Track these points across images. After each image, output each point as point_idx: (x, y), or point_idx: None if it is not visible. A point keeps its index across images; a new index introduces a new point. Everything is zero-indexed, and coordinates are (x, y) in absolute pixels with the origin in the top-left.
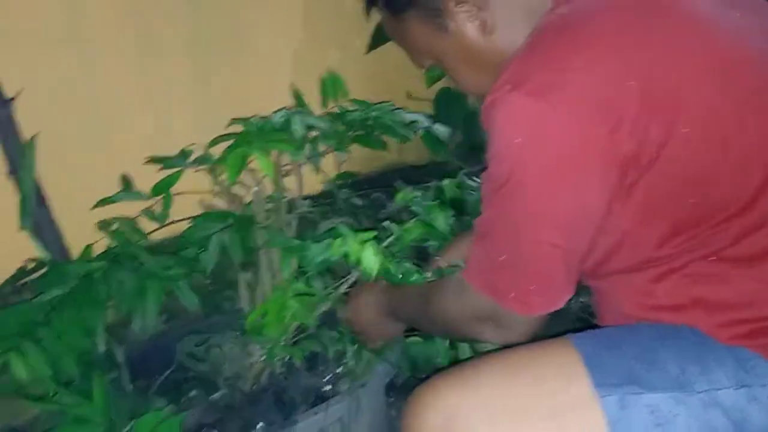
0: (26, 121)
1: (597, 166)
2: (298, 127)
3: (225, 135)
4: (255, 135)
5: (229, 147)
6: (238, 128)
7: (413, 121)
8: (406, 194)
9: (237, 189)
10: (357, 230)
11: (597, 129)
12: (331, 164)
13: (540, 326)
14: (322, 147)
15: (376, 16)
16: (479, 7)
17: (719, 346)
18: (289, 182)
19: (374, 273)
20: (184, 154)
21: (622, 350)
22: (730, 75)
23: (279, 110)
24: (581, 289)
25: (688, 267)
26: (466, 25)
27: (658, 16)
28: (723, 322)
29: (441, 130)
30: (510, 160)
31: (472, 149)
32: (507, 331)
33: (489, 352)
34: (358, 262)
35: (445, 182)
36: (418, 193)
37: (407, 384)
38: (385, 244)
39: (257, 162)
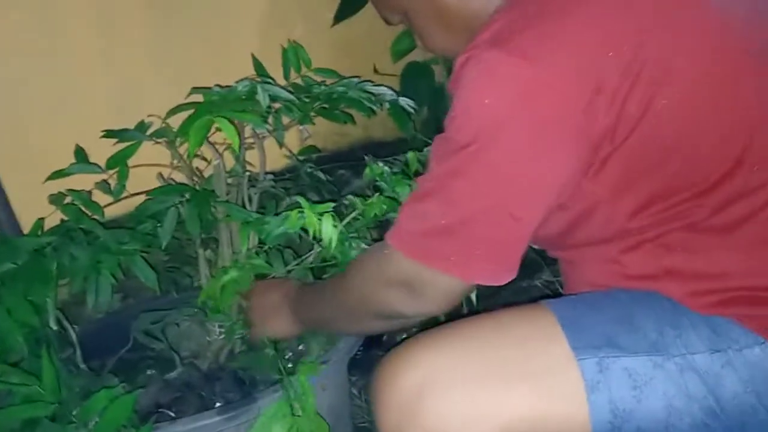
0: None
1: (572, 137)
2: (262, 98)
3: (184, 104)
4: (218, 104)
5: (190, 116)
6: (198, 98)
7: (379, 95)
8: (374, 169)
9: (197, 162)
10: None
11: (575, 99)
12: (294, 139)
13: (457, 302)
14: (285, 120)
15: None
16: None
17: (693, 313)
18: (251, 157)
19: (333, 245)
20: (141, 126)
21: (599, 313)
22: (724, 37)
23: (242, 80)
24: (544, 266)
25: (661, 238)
26: None
27: None
28: (694, 291)
29: (408, 104)
30: (481, 119)
31: (439, 125)
32: (421, 301)
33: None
34: (316, 234)
35: (410, 155)
36: (387, 168)
37: (369, 361)
38: (347, 219)
39: (222, 131)
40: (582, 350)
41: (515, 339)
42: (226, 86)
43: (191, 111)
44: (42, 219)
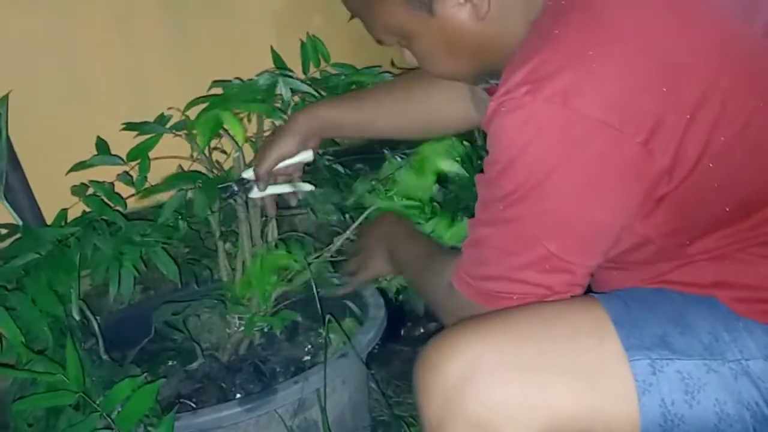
0: None
1: (626, 180)
2: (283, 90)
3: (202, 97)
4: (232, 97)
5: (202, 110)
6: (218, 91)
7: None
8: (392, 164)
9: (217, 155)
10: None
11: (629, 139)
12: None
13: None
14: None
15: None
16: None
17: (747, 319)
18: None
19: None
20: (161, 118)
21: (652, 312)
22: (760, 59)
23: (262, 73)
24: None
25: (711, 259)
26: (457, 8)
27: (678, 6)
28: (744, 298)
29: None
30: (527, 169)
31: None
32: None
33: None
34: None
35: (427, 149)
36: (404, 163)
37: (387, 355)
38: (366, 214)
39: (230, 127)
40: (635, 350)
41: (565, 332)
42: (248, 79)
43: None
44: (65, 210)
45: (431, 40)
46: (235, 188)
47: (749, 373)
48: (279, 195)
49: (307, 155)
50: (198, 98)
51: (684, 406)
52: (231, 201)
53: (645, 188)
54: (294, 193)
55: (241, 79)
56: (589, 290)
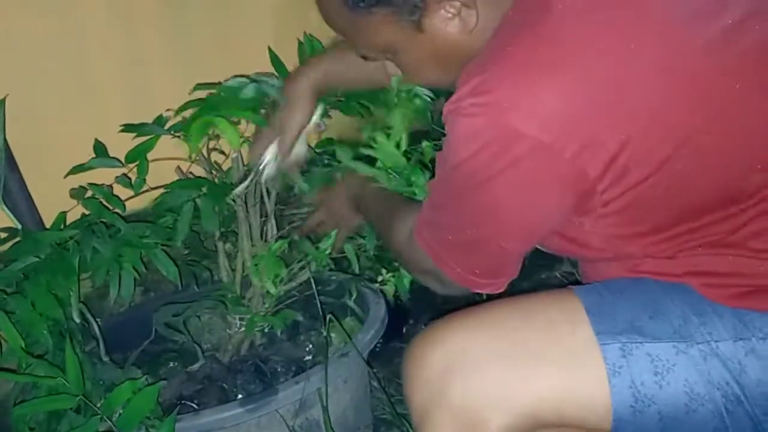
0: None
1: (558, 191)
2: (275, 94)
3: (193, 101)
4: (220, 102)
5: (192, 115)
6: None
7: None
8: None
9: (215, 156)
10: None
11: (560, 155)
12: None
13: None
14: None
15: None
16: (465, 4)
17: (717, 303)
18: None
19: None
20: (160, 120)
21: (624, 299)
22: (701, 83)
23: (254, 75)
24: (564, 258)
25: (679, 253)
26: (445, 23)
27: (629, 24)
28: (715, 284)
29: (424, 94)
30: (469, 171)
31: None
32: (449, 288)
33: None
34: None
35: (425, 144)
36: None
37: (389, 353)
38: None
39: (225, 134)
40: (605, 335)
41: (542, 322)
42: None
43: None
44: (64, 213)
45: (419, 54)
46: (259, 169)
47: (718, 354)
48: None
49: (318, 113)
50: (190, 101)
51: (654, 387)
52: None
53: (579, 197)
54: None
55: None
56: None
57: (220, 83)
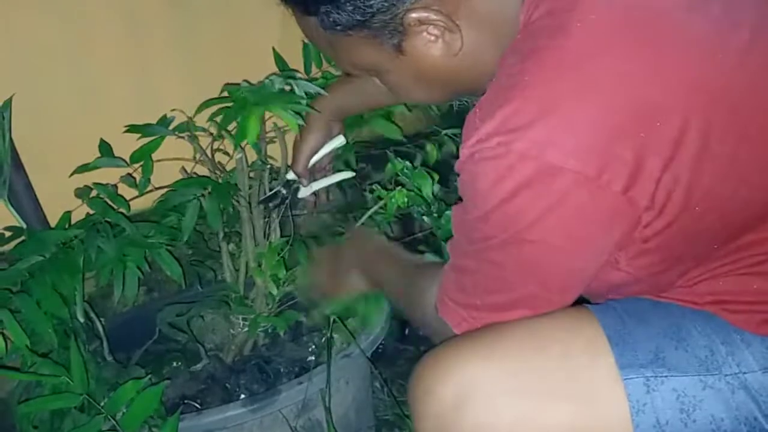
0: (1, 82)
1: (607, 228)
2: (299, 92)
3: (215, 99)
4: (259, 97)
5: (226, 110)
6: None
7: None
8: (395, 165)
9: (219, 157)
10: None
11: (608, 188)
12: None
13: None
14: None
15: None
16: (448, 28)
17: (744, 330)
18: (273, 151)
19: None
20: (164, 121)
21: (647, 325)
22: (733, 98)
23: (270, 75)
24: None
25: (709, 279)
26: (428, 46)
27: (655, 42)
28: (739, 310)
29: None
30: (506, 220)
31: (460, 118)
32: None
33: None
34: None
35: (428, 146)
36: (407, 164)
37: (391, 354)
38: (370, 212)
39: (283, 120)
40: (629, 368)
41: (559, 351)
42: (258, 82)
43: (219, 106)
44: (69, 212)
45: (402, 75)
46: (284, 192)
47: (747, 386)
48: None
49: (338, 141)
50: (211, 99)
51: (679, 425)
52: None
53: (627, 232)
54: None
55: (248, 82)
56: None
57: (240, 84)
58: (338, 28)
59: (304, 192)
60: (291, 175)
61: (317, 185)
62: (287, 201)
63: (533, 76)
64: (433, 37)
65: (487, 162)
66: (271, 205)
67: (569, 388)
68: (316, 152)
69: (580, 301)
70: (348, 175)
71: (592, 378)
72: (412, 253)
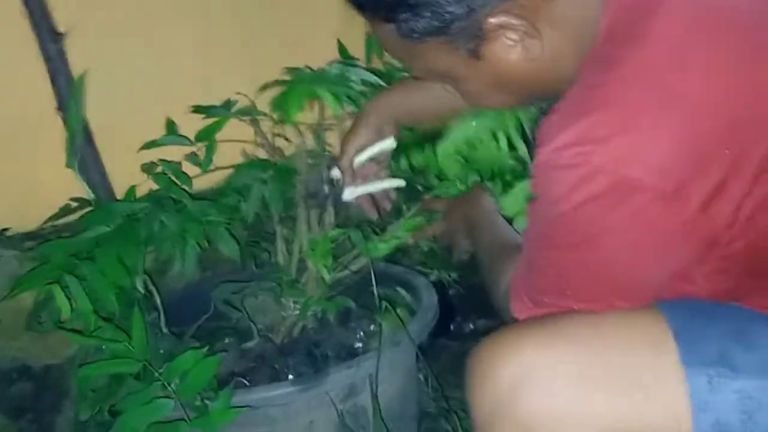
0: (77, 57)
1: (682, 243)
2: (356, 80)
3: (276, 81)
4: (309, 81)
5: (284, 91)
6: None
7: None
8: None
9: (278, 142)
10: None
11: (686, 205)
12: None
13: None
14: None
15: None
16: (528, 33)
17: None
18: (332, 138)
19: None
20: (227, 104)
21: (714, 324)
22: None
23: (332, 62)
24: None
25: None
26: (507, 51)
27: (733, 49)
28: None
29: None
30: (578, 227)
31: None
32: None
33: None
34: None
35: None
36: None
37: (436, 349)
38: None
39: (326, 101)
40: (693, 365)
41: (622, 342)
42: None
43: (279, 89)
44: (134, 186)
45: (479, 81)
46: (327, 191)
47: None
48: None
49: (388, 143)
50: (272, 82)
51: (739, 426)
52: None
53: (702, 248)
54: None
55: (310, 68)
56: None
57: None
58: (415, 35)
59: (348, 194)
60: (336, 173)
61: (363, 189)
62: (329, 200)
63: (614, 89)
64: (512, 42)
65: (564, 170)
66: (313, 202)
67: (630, 379)
68: (362, 149)
69: None
70: (398, 182)
71: (654, 372)
72: (509, 227)
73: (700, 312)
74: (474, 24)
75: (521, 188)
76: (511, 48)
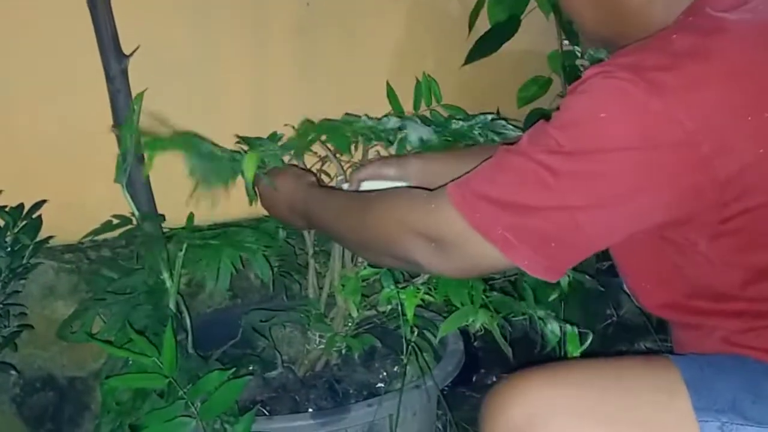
0: (134, 78)
1: (681, 183)
2: (413, 138)
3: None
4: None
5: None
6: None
7: (503, 134)
8: None
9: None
10: None
11: (697, 148)
12: None
13: (475, 276)
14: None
15: (478, 30)
16: None
17: None
18: None
19: None
20: (273, 136)
21: (726, 377)
22: None
23: (386, 115)
24: (651, 331)
25: None
26: None
27: None
28: None
29: None
30: (595, 135)
31: None
32: (445, 260)
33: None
34: None
35: None
36: None
37: (455, 398)
38: None
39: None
40: (705, 412)
41: (635, 386)
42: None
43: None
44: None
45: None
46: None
47: None
48: None
49: (400, 184)
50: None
51: None
52: None
53: (700, 200)
54: None
55: (368, 116)
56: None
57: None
58: None
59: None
60: (345, 186)
61: (369, 186)
62: None
63: (681, 39)
64: None
65: (612, 80)
66: None
67: (643, 422)
68: (378, 177)
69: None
70: (401, 184)
71: (667, 416)
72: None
73: (711, 365)
74: None
75: None
76: None
